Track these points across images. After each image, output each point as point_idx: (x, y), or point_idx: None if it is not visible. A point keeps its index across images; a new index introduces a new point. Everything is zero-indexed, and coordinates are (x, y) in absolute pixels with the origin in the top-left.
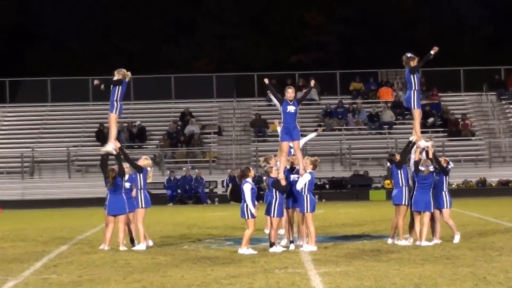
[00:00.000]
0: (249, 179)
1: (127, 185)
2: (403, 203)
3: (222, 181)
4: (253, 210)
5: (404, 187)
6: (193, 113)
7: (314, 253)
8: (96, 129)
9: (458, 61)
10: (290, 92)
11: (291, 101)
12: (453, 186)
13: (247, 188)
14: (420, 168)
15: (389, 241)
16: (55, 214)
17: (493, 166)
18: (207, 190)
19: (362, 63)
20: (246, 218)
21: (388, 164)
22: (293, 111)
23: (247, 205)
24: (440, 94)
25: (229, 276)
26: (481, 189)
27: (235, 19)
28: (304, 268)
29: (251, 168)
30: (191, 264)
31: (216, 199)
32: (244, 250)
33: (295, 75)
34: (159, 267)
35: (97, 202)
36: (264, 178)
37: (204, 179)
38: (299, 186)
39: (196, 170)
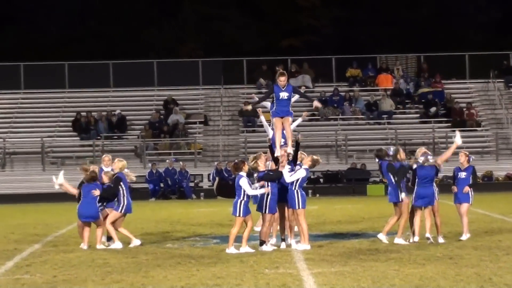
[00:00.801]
0: (243, 173)
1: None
2: (401, 200)
3: (208, 175)
4: (263, 191)
5: (398, 184)
6: (177, 101)
7: (307, 252)
8: (72, 118)
9: (463, 45)
10: (282, 80)
11: (283, 87)
12: None
13: (244, 182)
14: (419, 160)
15: (380, 236)
16: (28, 209)
17: (500, 158)
18: (192, 184)
19: (359, 47)
20: (237, 215)
21: (377, 160)
22: (286, 97)
23: (240, 201)
24: (443, 81)
25: (216, 277)
26: (487, 184)
27: (223, 0)
28: (296, 268)
29: (245, 161)
30: (174, 263)
31: (202, 194)
32: (232, 249)
33: (287, 60)
34: (140, 267)
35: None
36: (255, 175)
37: (189, 172)
38: (291, 179)
39: (181, 162)
